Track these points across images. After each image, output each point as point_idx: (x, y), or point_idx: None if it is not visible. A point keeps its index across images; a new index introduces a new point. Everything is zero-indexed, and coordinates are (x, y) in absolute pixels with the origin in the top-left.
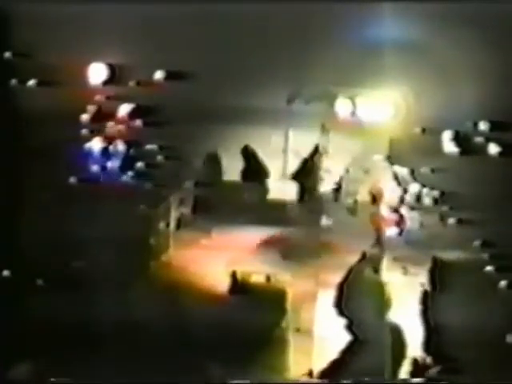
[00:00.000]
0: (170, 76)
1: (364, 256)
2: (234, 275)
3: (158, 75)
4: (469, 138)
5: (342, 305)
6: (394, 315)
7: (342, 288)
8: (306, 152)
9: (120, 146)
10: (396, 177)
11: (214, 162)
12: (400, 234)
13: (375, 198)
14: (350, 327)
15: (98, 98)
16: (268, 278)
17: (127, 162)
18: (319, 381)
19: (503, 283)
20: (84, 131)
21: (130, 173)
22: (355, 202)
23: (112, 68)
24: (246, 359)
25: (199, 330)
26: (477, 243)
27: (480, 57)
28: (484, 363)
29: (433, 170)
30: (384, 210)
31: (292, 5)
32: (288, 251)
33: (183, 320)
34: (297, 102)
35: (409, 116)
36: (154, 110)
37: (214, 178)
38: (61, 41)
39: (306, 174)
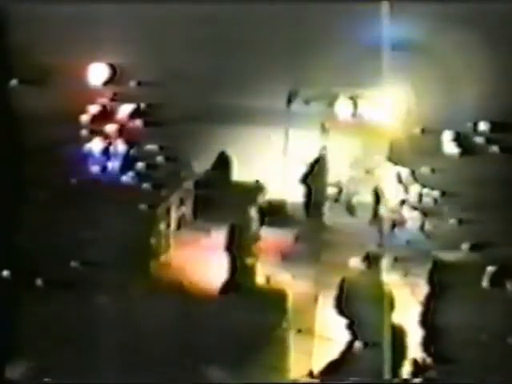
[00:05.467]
0: (169, 76)
1: (365, 256)
2: (234, 275)
3: (158, 76)
4: (469, 138)
5: (343, 305)
6: (395, 315)
7: (342, 288)
8: (308, 153)
9: (120, 147)
10: (396, 177)
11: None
12: (400, 234)
13: (376, 198)
14: (350, 327)
15: (98, 98)
16: (268, 279)
17: (127, 163)
18: (319, 381)
19: (503, 283)
20: (84, 131)
21: (130, 173)
22: (355, 202)
23: (112, 68)
24: (246, 359)
25: (200, 329)
26: (477, 243)
27: (480, 57)
28: (484, 363)
29: (433, 171)
30: (384, 210)
31: (292, 5)
32: (288, 252)
33: (183, 320)
34: (297, 103)
35: (409, 116)
36: (154, 110)
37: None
38: (61, 41)
39: (314, 176)
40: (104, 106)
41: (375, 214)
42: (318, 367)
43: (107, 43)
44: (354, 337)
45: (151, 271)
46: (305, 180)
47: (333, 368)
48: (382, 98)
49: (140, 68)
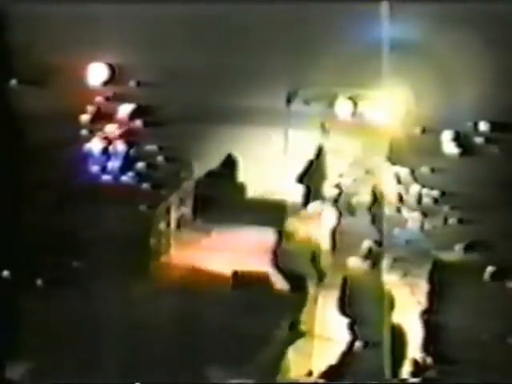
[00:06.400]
0: (169, 76)
1: (366, 256)
2: (234, 275)
3: (158, 76)
4: (469, 138)
5: (343, 305)
6: (394, 315)
7: (343, 288)
8: (308, 153)
9: (120, 147)
10: (396, 177)
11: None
12: (400, 233)
13: (375, 199)
14: (350, 327)
15: (97, 98)
16: (268, 278)
17: (127, 162)
18: (319, 381)
19: (503, 283)
20: (84, 131)
21: (130, 173)
22: (355, 202)
23: (112, 68)
24: (246, 359)
25: (200, 329)
26: (477, 243)
27: (480, 57)
28: (484, 363)
29: (432, 170)
30: (384, 210)
31: (292, 5)
32: (288, 251)
33: (183, 320)
34: (296, 103)
35: (409, 116)
36: (154, 110)
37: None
38: (61, 41)
39: (311, 175)
40: (104, 106)
41: (375, 214)
42: (317, 367)
43: (107, 43)
44: (355, 337)
45: (151, 271)
46: (301, 179)
47: (333, 368)
48: (381, 98)
49: (140, 68)
